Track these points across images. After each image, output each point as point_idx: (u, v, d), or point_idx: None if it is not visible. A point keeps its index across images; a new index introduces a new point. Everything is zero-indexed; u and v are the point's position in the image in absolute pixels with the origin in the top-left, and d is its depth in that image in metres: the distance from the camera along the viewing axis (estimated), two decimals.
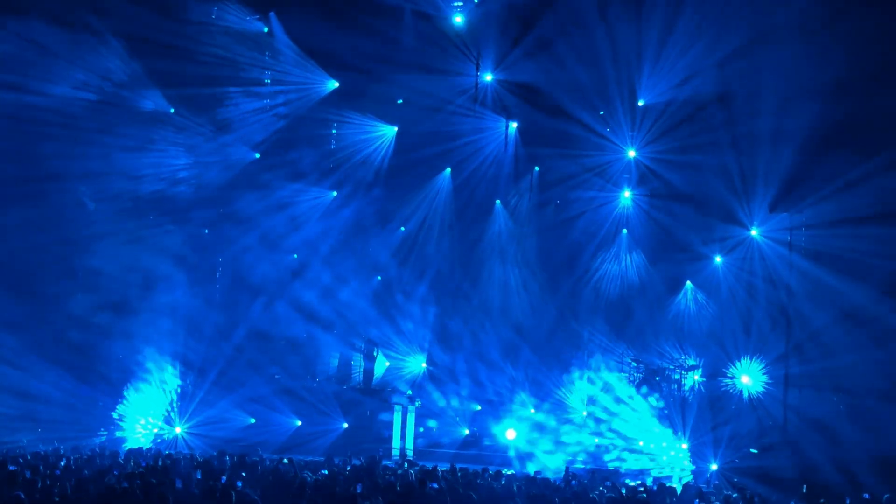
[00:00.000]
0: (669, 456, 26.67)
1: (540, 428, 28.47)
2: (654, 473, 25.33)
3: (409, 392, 29.02)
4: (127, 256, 28.17)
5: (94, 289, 27.98)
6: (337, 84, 29.17)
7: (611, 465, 26.29)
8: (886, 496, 17.66)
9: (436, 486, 16.66)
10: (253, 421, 28.65)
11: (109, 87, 27.63)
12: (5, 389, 26.46)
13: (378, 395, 29.90)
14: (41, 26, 26.18)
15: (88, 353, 27.78)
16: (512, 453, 27.44)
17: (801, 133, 26.00)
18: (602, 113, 28.61)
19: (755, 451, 25.68)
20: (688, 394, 28.81)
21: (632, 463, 26.59)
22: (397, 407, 28.27)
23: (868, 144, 25.25)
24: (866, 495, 18.91)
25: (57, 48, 26.60)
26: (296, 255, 30.53)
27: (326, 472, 18.95)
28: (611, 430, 27.91)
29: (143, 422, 27.93)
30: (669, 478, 24.48)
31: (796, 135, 26.09)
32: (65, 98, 27.02)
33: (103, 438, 26.67)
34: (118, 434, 27.52)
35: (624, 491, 18.10)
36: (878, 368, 25.69)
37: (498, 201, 30.95)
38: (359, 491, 14.95)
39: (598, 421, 28.27)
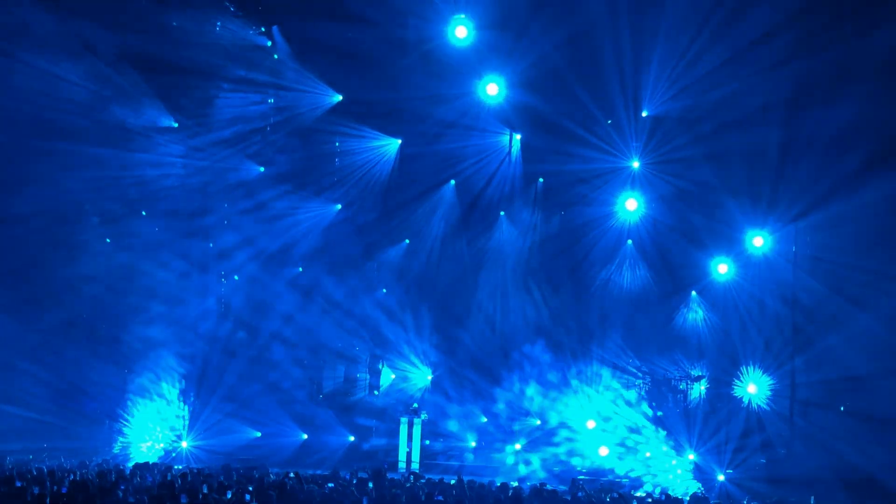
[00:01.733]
0: (675, 466, 26.66)
1: (546, 439, 28.56)
2: (661, 484, 25.30)
3: (415, 405, 29.00)
4: (130, 269, 28.19)
5: (98, 303, 28.03)
6: (340, 97, 29.19)
7: (616, 476, 26.33)
8: None
9: (441, 498, 16.65)
10: (259, 435, 28.64)
11: (111, 101, 27.64)
12: (8, 403, 26.43)
13: (383, 407, 29.91)
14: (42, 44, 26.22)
15: (93, 367, 27.75)
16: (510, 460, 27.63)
17: (807, 142, 26.01)
18: (610, 122, 28.56)
19: (763, 461, 25.67)
20: (694, 404, 28.76)
21: (638, 473, 26.60)
22: (403, 419, 28.28)
23: (874, 152, 25.13)
24: None
25: (58, 62, 26.60)
26: (301, 269, 30.55)
27: (332, 485, 18.92)
28: (617, 442, 27.97)
29: (149, 437, 27.90)
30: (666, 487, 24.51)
31: (801, 144, 26.09)
32: (66, 113, 26.97)
33: (109, 454, 26.65)
34: (124, 449, 27.50)
35: (635, 503, 18.05)
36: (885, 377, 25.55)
37: (502, 213, 30.96)
38: None
39: (603, 432, 28.32)
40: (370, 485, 19.62)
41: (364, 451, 28.53)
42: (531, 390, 29.20)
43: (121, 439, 27.74)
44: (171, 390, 28.34)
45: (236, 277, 30.01)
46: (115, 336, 28.22)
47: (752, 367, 28.28)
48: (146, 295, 28.32)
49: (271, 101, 29.60)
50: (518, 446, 28.49)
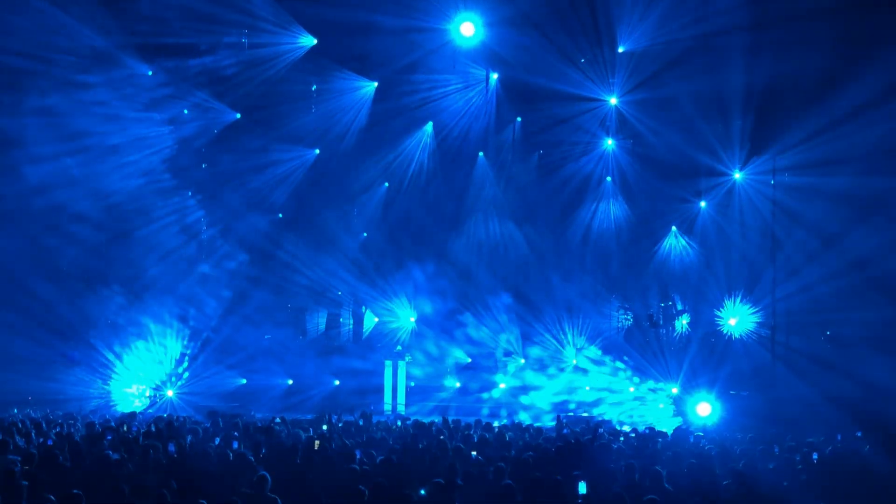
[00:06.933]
0: (658, 401, 26.93)
1: (529, 377, 28.78)
2: (645, 419, 25.53)
3: (399, 347, 29.09)
4: (114, 220, 28.02)
5: (84, 255, 27.87)
6: (315, 41, 28.77)
7: (600, 412, 26.55)
8: None
9: (426, 441, 16.73)
10: (244, 381, 28.69)
11: (83, 48, 27.14)
12: None
13: (367, 351, 30.01)
14: None
15: (78, 316, 27.62)
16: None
17: (782, 73, 25.88)
18: (583, 60, 28.36)
19: (741, 392, 25.92)
20: (676, 339, 28.96)
21: (621, 410, 26.85)
22: (387, 362, 28.37)
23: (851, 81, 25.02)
24: (858, 433, 19.02)
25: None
26: (280, 215, 30.41)
27: (321, 430, 18.97)
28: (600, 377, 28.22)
29: (135, 386, 27.88)
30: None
31: (776, 75, 25.97)
32: (39, 57, 26.44)
33: (95, 403, 26.62)
34: (109, 398, 27.49)
35: (622, 438, 18.21)
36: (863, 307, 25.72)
37: (481, 153, 30.81)
38: (357, 455, 14.97)
39: (586, 370, 28.55)
40: (361, 422, 19.76)
41: (351, 395, 28.64)
42: (513, 331, 29.41)
43: (108, 388, 27.68)
44: (156, 340, 28.25)
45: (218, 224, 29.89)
46: (100, 285, 28.07)
47: (732, 299, 28.46)
48: (129, 244, 28.20)
49: (244, 40, 29.10)
50: (503, 385, 28.69)
